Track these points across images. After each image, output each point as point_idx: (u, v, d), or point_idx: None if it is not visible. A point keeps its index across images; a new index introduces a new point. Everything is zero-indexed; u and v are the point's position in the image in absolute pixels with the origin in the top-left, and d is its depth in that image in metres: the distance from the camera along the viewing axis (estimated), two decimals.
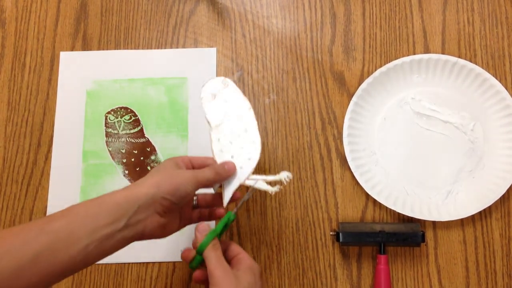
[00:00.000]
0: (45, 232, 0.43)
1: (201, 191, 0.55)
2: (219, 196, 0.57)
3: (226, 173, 0.55)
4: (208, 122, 0.58)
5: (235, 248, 0.52)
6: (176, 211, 0.53)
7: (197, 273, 0.52)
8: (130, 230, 0.47)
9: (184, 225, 0.57)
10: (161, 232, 0.51)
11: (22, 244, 0.42)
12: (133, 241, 0.49)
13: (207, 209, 0.59)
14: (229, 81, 0.59)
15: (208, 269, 0.48)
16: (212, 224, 0.67)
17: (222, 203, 0.56)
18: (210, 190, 0.56)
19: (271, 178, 0.56)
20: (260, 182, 0.56)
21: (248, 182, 0.56)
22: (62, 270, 0.43)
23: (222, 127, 0.57)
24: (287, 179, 0.56)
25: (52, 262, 0.43)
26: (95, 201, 0.47)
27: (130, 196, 0.48)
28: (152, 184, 0.49)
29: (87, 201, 0.47)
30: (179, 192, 0.50)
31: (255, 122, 0.58)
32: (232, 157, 0.56)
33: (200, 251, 0.50)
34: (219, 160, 0.56)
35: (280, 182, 0.56)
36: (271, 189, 0.55)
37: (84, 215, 0.45)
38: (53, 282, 0.44)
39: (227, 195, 0.55)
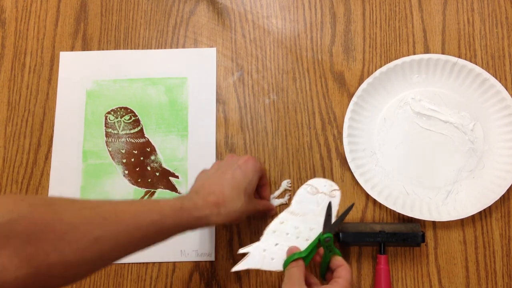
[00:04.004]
0: (151, 206, 0.51)
1: None
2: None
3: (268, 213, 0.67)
4: (291, 203, 0.59)
5: (341, 271, 0.52)
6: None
7: None
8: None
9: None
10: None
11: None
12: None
13: None
14: (338, 194, 0.58)
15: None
16: None
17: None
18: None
19: (277, 193, 0.68)
20: (275, 201, 0.68)
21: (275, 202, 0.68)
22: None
23: (294, 218, 0.57)
24: (289, 185, 0.68)
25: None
26: (176, 205, 0.53)
27: (203, 221, 0.55)
28: (234, 217, 0.57)
29: (171, 202, 0.53)
30: (236, 221, 0.59)
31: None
32: (276, 244, 0.56)
33: (284, 264, 0.54)
34: (263, 240, 0.57)
35: (285, 192, 0.67)
36: (283, 201, 0.68)
37: (165, 214, 0.51)
38: (119, 257, 0.48)
39: (242, 264, 0.56)
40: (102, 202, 0.47)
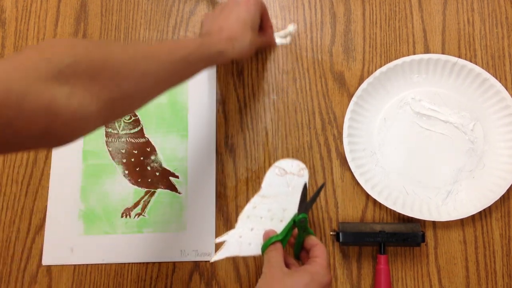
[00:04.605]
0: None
1: None
2: None
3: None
4: (261, 187, 0.58)
5: (316, 250, 0.54)
6: None
7: None
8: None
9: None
10: None
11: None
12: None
13: None
14: (306, 173, 0.59)
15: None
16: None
17: None
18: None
19: (282, 33, 0.72)
20: (278, 39, 0.72)
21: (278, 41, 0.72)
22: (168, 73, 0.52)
23: (266, 201, 0.57)
24: (294, 30, 0.73)
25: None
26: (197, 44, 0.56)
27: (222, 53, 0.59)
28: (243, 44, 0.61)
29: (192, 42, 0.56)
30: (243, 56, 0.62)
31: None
32: (251, 229, 0.56)
33: (262, 248, 0.55)
34: (238, 226, 0.57)
35: (289, 34, 0.72)
36: (286, 41, 0.72)
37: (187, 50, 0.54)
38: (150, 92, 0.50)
39: (219, 254, 0.56)
40: (139, 44, 0.56)
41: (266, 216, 0.57)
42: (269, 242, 0.54)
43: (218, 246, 0.56)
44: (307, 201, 0.57)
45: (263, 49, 0.73)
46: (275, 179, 0.59)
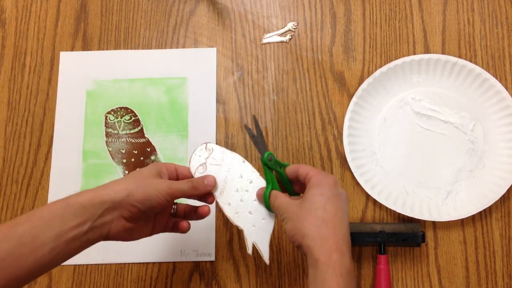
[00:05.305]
0: (8, 237, 0.43)
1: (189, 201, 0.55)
2: (198, 208, 0.57)
3: (204, 187, 0.54)
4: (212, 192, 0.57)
5: (303, 171, 0.52)
6: (146, 218, 0.53)
7: None
8: (95, 232, 0.48)
9: (159, 232, 0.56)
10: (127, 235, 0.51)
11: None
12: (99, 241, 0.49)
13: (185, 219, 0.58)
14: (212, 145, 0.57)
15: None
16: None
17: (202, 216, 0.56)
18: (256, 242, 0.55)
19: (281, 31, 0.69)
20: (275, 38, 0.69)
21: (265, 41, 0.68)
22: (28, 273, 0.44)
23: (227, 190, 0.56)
24: (294, 27, 0.70)
25: (17, 267, 0.43)
26: (60, 203, 0.47)
27: (96, 199, 0.47)
28: (121, 189, 0.49)
29: (52, 203, 0.47)
30: (149, 202, 0.50)
31: (255, 171, 0.57)
32: (250, 213, 0.55)
33: (268, 208, 0.54)
34: (237, 221, 0.55)
35: (289, 31, 0.69)
36: (286, 39, 0.69)
37: (48, 219, 0.45)
38: (21, 285, 0.44)
39: (264, 251, 0.55)
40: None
41: (238, 186, 0.56)
42: (266, 198, 0.53)
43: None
44: (261, 140, 0.55)
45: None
46: (210, 163, 0.57)
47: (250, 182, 0.56)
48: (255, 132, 0.56)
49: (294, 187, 0.56)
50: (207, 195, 0.55)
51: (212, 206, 0.68)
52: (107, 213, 0.48)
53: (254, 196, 0.56)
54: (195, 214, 0.57)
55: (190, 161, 0.56)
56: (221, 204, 0.55)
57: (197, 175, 0.56)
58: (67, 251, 0.46)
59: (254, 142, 0.56)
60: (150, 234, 0.55)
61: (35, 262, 0.44)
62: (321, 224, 0.47)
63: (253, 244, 0.55)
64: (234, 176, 0.56)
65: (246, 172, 0.56)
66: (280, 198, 0.52)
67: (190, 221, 0.58)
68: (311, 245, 0.46)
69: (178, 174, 0.56)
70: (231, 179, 0.56)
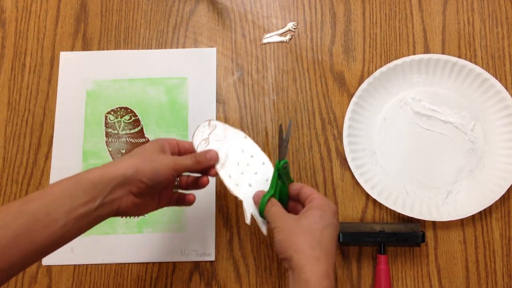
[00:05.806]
0: (23, 213, 0.44)
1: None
2: (199, 178, 0.57)
3: (207, 161, 0.55)
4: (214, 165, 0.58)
5: (306, 191, 0.53)
6: (153, 193, 0.54)
7: None
8: (105, 208, 0.48)
9: (164, 206, 0.57)
10: (136, 210, 0.52)
11: (0, 227, 0.43)
12: (109, 217, 0.50)
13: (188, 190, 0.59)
14: (215, 122, 0.59)
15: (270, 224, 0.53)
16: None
17: (202, 186, 0.57)
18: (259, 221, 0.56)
19: (281, 31, 0.70)
20: (275, 38, 0.69)
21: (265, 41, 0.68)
22: (41, 249, 0.45)
23: (228, 163, 0.57)
24: (294, 27, 0.71)
25: (31, 242, 0.44)
26: (70, 180, 0.48)
27: (106, 176, 0.48)
28: (130, 166, 0.50)
29: (63, 180, 0.48)
30: (157, 177, 0.51)
31: (257, 146, 0.58)
32: (250, 185, 0.56)
33: (262, 215, 0.54)
34: (237, 193, 0.56)
35: (289, 32, 0.70)
36: (286, 39, 0.70)
37: (59, 195, 0.46)
38: (34, 261, 0.46)
39: (262, 222, 0.56)
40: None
41: (239, 160, 0.57)
42: (264, 201, 0.54)
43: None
44: (286, 146, 0.56)
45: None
46: (213, 139, 0.58)
47: (251, 156, 0.58)
48: (284, 135, 0.56)
49: (289, 204, 0.56)
50: (209, 169, 0.56)
51: (212, 206, 0.68)
52: (116, 190, 0.49)
53: (255, 170, 0.57)
54: (196, 184, 0.58)
55: (193, 136, 0.58)
56: (222, 176, 0.56)
57: (199, 149, 0.57)
58: (78, 227, 0.47)
59: (279, 145, 0.56)
60: (156, 208, 0.56)
61: (47, 237, 0.45)
62: (316, 245, 0.48)
63: (252, 215, 0.56)
64: (235, 150, 0.58)
65: (248, 147, 0.58)
66: (278, 207, 0.53)
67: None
68: (303, 262, 0.47)
69: (180, 149, 0.57)
70: (232, 153, 0.57)
